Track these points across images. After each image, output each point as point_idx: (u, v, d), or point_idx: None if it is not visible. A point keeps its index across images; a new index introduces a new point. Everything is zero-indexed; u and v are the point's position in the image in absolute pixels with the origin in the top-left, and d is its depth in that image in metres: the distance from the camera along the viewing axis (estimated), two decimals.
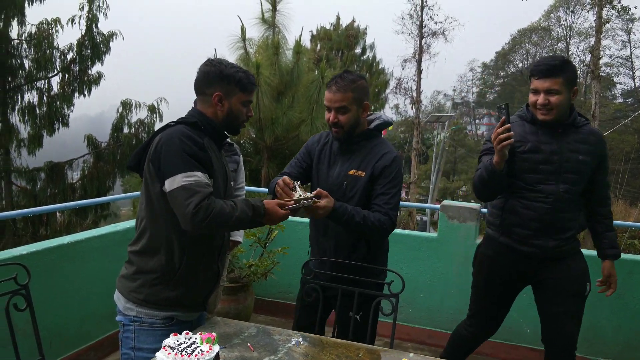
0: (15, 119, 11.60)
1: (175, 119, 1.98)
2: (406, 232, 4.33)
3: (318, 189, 2.18)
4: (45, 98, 11.84)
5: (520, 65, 39.90)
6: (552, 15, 36.65)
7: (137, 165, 1.93)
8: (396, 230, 4.35)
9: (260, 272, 4.01)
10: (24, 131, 11.71)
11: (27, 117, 11.64)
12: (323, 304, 2.48)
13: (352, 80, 2.35)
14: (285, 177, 2.18)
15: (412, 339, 4.16)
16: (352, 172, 2.40)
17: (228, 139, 3.29)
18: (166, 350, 1.69)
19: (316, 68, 10.35)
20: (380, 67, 23.09)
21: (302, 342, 2.04)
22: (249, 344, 1.99)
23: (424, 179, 32.07)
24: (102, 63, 12.33)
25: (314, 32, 21.93)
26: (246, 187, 3.60)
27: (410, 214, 22.56)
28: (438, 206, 4.15)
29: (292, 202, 2.04)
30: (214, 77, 1.95)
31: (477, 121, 45.25)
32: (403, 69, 26.95)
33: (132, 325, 1.93)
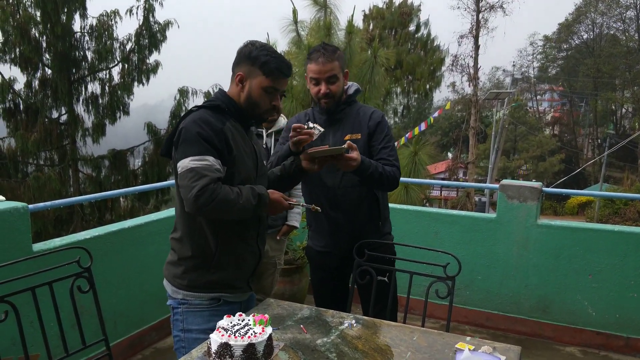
0: (80, 109, 12.15)
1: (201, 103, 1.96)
2: (463, 213, 4.21)
3: (348, 142, 2.19)
4: (106, 88, 12.30)
5: (585, 37, 37.74)
6: None
7: (168, 151, 1.93)
8: (452, 211, 4.24)
9: None
10: (88, 121, 12.25)
11: (90, 107, 12.15)
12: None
13: (334, 50, 2.40)
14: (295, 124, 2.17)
15: (469, 321, 4.06)
16: (347, 137, 2.44)
17: (284, 123, 3.27)
18: (220, 331, 1.71)
19: (369, 48, 10.16)
20: (435, 44, 22.49)
21: (355, 325, 2.02)
22: (302, 326, 1.98)
23: (482, 159, 31.17)
24: (159, 52, 12.67)
25: (367, 12, 21.59)
26: None
27: (469, 195, 22.03)
28: (497, 186, 4.00)
29: (295, 202, 2.03)
30: (243, 56, 1.90)
31: (538, 97, 43.33)
32: (459, 45, 26.01)
33: (180, 308, 1.96)
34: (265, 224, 2.10)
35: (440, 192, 31.87)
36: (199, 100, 12.91)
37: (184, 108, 12.84)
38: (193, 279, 1.93)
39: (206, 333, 1.82)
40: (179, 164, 1.78)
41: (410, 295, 2.51)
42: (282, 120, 3.27)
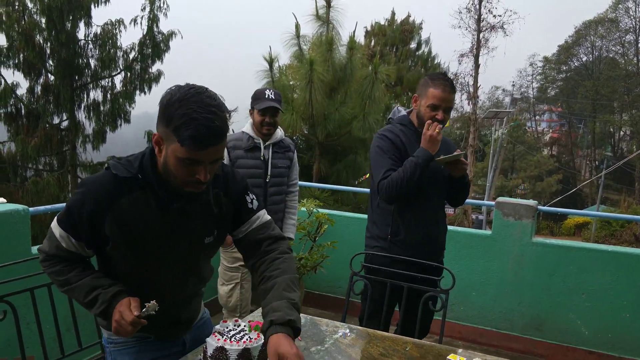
0: (81, 115, 12.27)
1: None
2: (459, 229, 4.25)
3: (458, 150, 2.47)
4: (108, 95, 12.42)
5: (584, 59, 38.09)
6: (620, 5, 34.75)
7: None
8: (449, 227, 4.28)
9: (310, 266, 4.04)
10: (88, 127, 12.36)
11: (92, 114, 12.26)
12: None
13: (453, 82, 2.56)
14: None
15: (463, 337, 4.07)
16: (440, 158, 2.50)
17: (282, 136, 3.25)
18: (215, 335, 1.73)
19: (370, 64, 10.27)
20: (435, 62, 22.65)
21: (349, 334, 2.04)
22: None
23: (480, 177, 31.28)
24: (162, 61, 12.81)
25: (368, 28, 21.79)
26: (299, 183, 3.64)
27: (466, 212, 22.07)
28: (493, 203, 4.04)
29: (139, 315, 1.49)
30: (160, 110, 1.42)
31: (537, 117, 43.60)
32: (460, 64, 26.32)
33: (109, 347, 1.78)
34: (186, 292, 1.79)
35: None
36: None
37: None
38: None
39: None
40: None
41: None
42: (279, 132, 3.33)
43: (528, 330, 3.89)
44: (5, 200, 3.04)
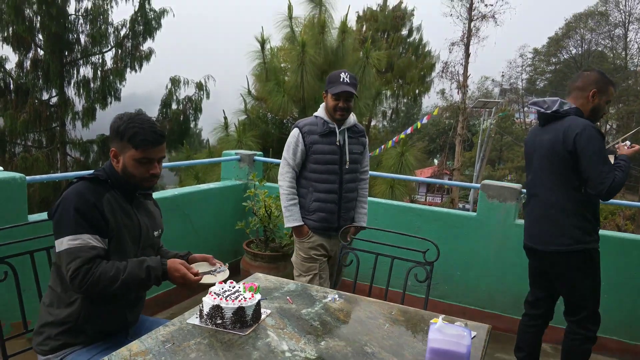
0: (71, 92, 12.17)
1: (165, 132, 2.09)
2: (445, 210, 4.36)
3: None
4: (99, 72, 12.32)
5: (574, 52, 38.36)
6: None
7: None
8: (434, 208, 4.39)
9: None
10: (78, 104, 12.26)
11: (81, 91, 12.15)
12: None
13: None
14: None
15: (446, 314, 4.19)
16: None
17: (354, 120, 3.16)
18: (212, 295, 1.82)
19: (361, 48, 10.30)
20: (426, 49, 22.69)
21: (338, 299, 2.14)
22: (288, 298, 2.10)
23: (468, 166, 31.53)
24: (153, 39, 12.71)
25: (360, 13, 21.74)
26: None
27: (453, 201, 22.31)
28: (478, 185, 4.15)
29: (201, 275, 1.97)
30: (112, 132, 1.93)
31: (525, 109, 43.92)
32: (450, 52, 26.46)
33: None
34: (137, 298, 2.05)
35: (425, 198, 32.17)
36: (191, 90, 12.96)
37: (175, 97, 12.88)
38: (56, 346, 1.89)
39: None
40: (56, 243, 1.80)
41: (390, 287, 2.64)
42: (352, 117, 3.18)
43: (510, 309, 4.02)
44: (2, 169, 3.08)
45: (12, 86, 11.52)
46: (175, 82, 12.78)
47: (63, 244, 1.77)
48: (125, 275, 1.80)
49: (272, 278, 2.35)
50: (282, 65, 10.15)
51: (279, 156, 3.38)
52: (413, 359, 1.66)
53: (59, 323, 1.85)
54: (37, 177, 3.20)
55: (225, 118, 9.66)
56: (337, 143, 3.08)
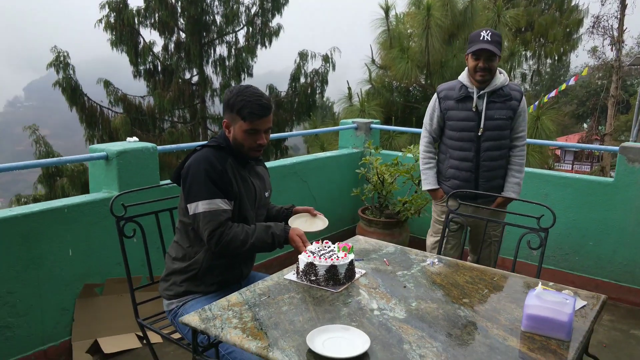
0: (209, 70, 13.06)
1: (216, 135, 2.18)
2: (577, 175, 3.98)
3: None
4: (233, 50, 13.06)
5: None
6: None
7: (177, 179, 2.11)
8: (565, 174, 4.02)
9: (413, 209, 4.07)
10: (216, 82, 13.13)
11: (218, 69, 13.00)
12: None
13: None
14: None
15: (576, 287, 3.87)
16: None
17: (503, 82, 2.97)
18: (307, 253, 1.88)
19: (493, 6, 9.64)
20: (572, 3, 20.51)
21: (437, 263, 2.08)
22: (385, 260, 2.10)
23: (623, 131, 28.25)
24: (281, 15, 13.10)
25: None
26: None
27: (603, 170, 20.20)
28: (617, 148, 3.71)
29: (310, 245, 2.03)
30: (224, 105, 2.08)
31: None
32: (603, 4, 23.48)
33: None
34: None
35: (572, 167, 29.53)
36: (317, 64, 13.21)
37: (302, 71, 13.22)
38: (180, 292, 2.11)
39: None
40: (189, 206, 1.99)
41: (500, 254, 2.50)
42: (501, 79, 2.92)
43: None
44: (137, 139, 3.44)
45: (159, 68, 12.72)
46: (303, 56, 13.11)
47: (198, 207, 1.96)
48: (254, 240, 1.97)
49: (372, 240, 2.36)
50: (408, 31, 9.90)
51: (404, 125, 3.36)
52: (509, 325, 1.57)
53: (183, 272, 2.06)
54: (167, 146, 3.53)
55: (349, 88, 9.72)
56: (473, 109, 2.91)
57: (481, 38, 2.80)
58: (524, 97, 2.96)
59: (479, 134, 2.90)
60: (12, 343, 2.57)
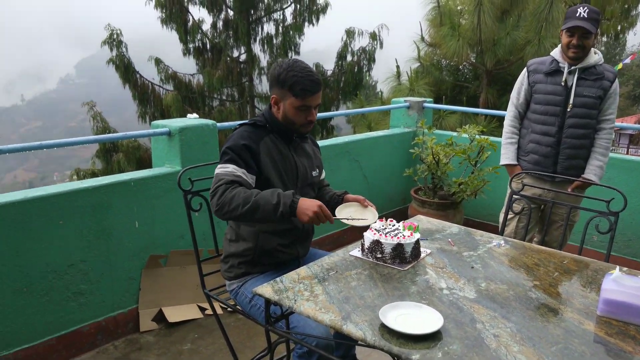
0: (257, 48, 13.12)
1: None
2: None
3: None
4: (280, 28, 13.07)
5: None
6: None
7: None
8: (631, 157, 3.87)
9: (469, 190, 4.01)
10: (263, 60, 13.19)
11: (265, 47, 13.05)
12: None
13: None
14: None
15: None
16: None
17: (597, 61, 2.87)
18: (372, 230, 1.90)
19: None
20: None
21: (503, 244, 2.06)
22: (449, 240, 2.09)
23: None
24: None
25: None
26: None
27: None
28: None
29: (342, 218, 1.99)
30: (273, 79, 2.03)
31: None
32: None
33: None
34: (306, 233, 2.18)
35: (627, 150, 28.29)
36: (364, 41, 13.07)
37: (349, 49, 13.11)
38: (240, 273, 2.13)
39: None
40: None
41: (568, 242, 2.44)
42: (595, 57, 2.84)
43: None
44: (197, 116, 3.52)
45: (208, 46, 12.87)
46: (349, 34, 12.98)
47: (218, 168, 1.96)
48: (258, 197, 1.84)
49: (435, 221, 2.35)
50: (458, 8, 9.64)
51: (454, 103, 3.29)
52: (584, 309, 1.54)
53: (239, 255, 2.10)
54: (225, 123, 3.60)
55: (398, 67, 9.58)
56: (562, 83, 2.84)
57: (577, 14, 2.72)
58: (617, 80, 2.86)
59: (567, 109, 2.84)
60: (85, 309, 2.72)
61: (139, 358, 2.72)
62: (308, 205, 1.83)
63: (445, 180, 4.26)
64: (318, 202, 1.84)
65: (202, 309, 3.11)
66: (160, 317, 2.99)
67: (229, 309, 3.00)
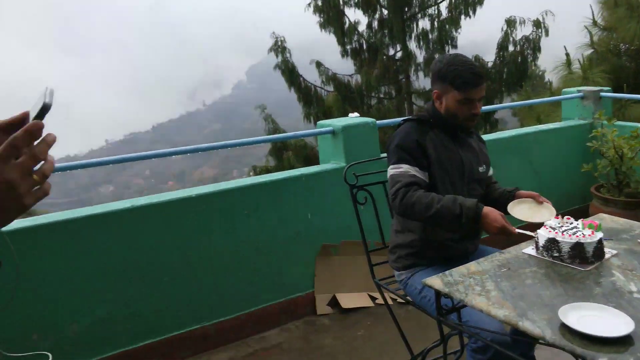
0: (412, 45, 13.05)
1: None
2: None
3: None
4: (435, 23, 12.83)
5: None
6: None
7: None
8: None
9: None
10: (419, 56, 13.08)
11: (421, 43, 12.91)
12: None
13: None
14: None
15: None
16: None
17: None
18: (547, 228, 1.81)
19: None
20: None
21: None
22: (639, 240, 1.90)
23: None
24: None
25: None
26: None
27: None
28: None
29: (526, 233, 1.89)
30: (434, 75, 2.06)
31: None
32: None
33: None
34: (477, 230, 2.10)
35: None
36: (527, 30, 12.28)
37: (511, 39, 12.41)
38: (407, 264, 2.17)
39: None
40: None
41: None
42: None
43: None
44: (358, 115, 3.67)
45: (364, 46, 13.13)
46: (510, 23, 12.27)
47: (388, 172, 2.05)
48: (440, 206, 1.87)
49: (620, 220, 2.15)
50: None
51: (637, 92, 2.95)
52: None
53: (406, 246, 2.15)
54: (384, 121, 3.72)
55: (567, 55, 8.79)
56: None
57: None
58: None
59: None
60: (268, 290, 3.08)
61: (318, 339, 2.96)
62: (493, 217, 1.85)
63: (632, 177, 3.83)
64: (502, 219, 1.85)
65: (373, 298, 3.27)
66: (334, 303, 3.22)
67: (398, 300, 3.07)
